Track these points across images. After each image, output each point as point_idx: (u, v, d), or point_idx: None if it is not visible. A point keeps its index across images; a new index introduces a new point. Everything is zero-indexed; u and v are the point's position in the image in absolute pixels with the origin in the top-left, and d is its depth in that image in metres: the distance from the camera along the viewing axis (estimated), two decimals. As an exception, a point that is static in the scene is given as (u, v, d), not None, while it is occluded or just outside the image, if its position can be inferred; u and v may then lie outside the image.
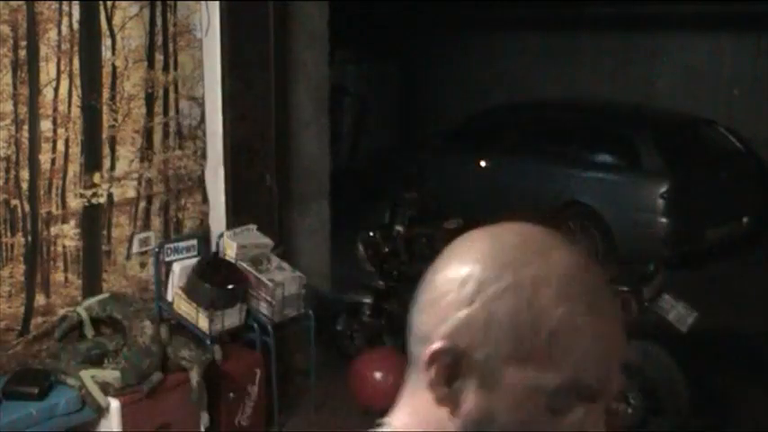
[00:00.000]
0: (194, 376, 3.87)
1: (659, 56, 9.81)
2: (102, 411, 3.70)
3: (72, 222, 4.07)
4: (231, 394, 4.16)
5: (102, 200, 4.18)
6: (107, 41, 4.11)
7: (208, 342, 4.12)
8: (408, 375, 0.97)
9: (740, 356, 5.38)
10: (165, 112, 4.44)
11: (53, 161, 3.96)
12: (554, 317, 0.85)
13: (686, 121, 8.29)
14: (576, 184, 7.61)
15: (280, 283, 4.36)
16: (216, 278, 4.21)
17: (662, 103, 9.30)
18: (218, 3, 4.49)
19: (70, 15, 3.93)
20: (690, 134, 8.05)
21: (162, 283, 4.43)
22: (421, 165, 6.41)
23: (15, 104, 3.79)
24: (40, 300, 3.99)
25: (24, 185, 3.86)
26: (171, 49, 4.41)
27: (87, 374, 3.69)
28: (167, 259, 4.40)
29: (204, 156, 4.65)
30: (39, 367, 3.85)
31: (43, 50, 3.85)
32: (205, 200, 4.69)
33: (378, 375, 4.54)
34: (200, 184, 4.66)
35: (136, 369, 3.76)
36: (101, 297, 4.11)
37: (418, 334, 0.93)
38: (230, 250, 4.44)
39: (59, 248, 4.04)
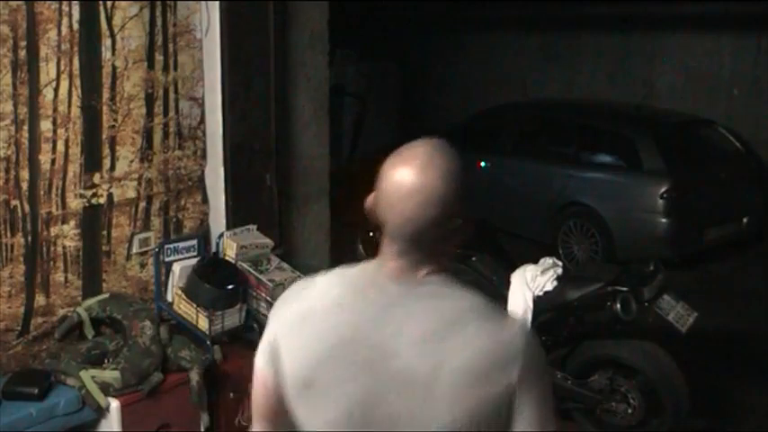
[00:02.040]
0: (194, 376, 3.87)
1: (659, 56, 9.81)
2: (102, 412, 3.70)
3: (72, 223, 4.07)
4: (231, 394, 4.16)
5: (102, 200, 4.18)
6: (107, 42, 4.11)
7: (208, 342, 4.13)
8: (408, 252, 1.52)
9: (740, 356, 5.39)
10: (165, 113, 4.44)
11: (53, 161, 3.96)
12: None
13: (686, 121, 8.29)
14: (576, 185, 7.62)
15: (280, 284, 4.36)
16: (216, 278, 4.21)
17: (662, 103, 9.30)
18: (218, 3, 4.48)
19: (70, 15, 3.93)
20: (690, 134, 8.05)
21: (162, 283, 4.43)
22: (421, 165, 6.44)
23: (15, 105, 3.79)
24: (39, 300, 3.99)
25: (24, 186, 3.87)
26: (171, 49, 4.41)
27: (87, 375, 3.70)
28: (167, 259, 4.40)
29: (204, 156, 4.65)
30: (39, 368, 3.85)
31: (43, 51, 3.85)
32: (205, 200, 4.70)
33: (378, 375, 4.53)
34: (200, 184, 4.66)
35: (136, 369, 3.77)
36: (101, 297, 4.11)
37: (435, 217, 1.48)
38: (230, 250, 4.44)
39: (59, 249, 4.04)
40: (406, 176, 1.48)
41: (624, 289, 4.09)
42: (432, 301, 1.50)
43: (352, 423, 1.51)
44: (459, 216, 1.50)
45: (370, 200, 1.59)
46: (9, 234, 3.84)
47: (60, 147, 3.98)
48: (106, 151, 4.18)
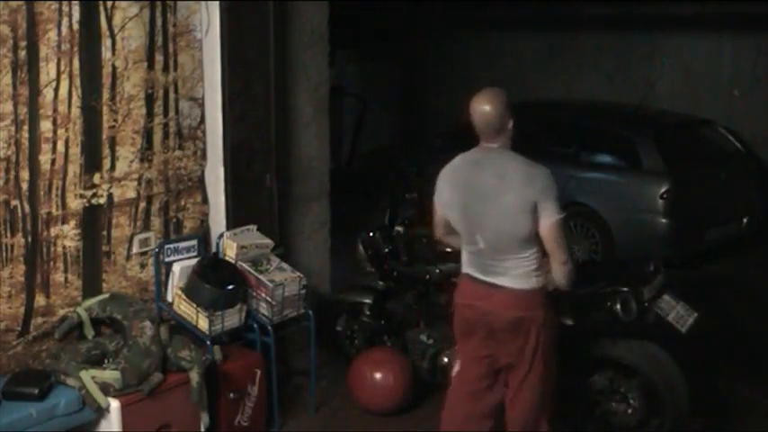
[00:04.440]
0: (194, 376, 3.87)
1: (659, 56, 9.80)
2: (102, 412, 3.70)
3: (72, 223, 4.07)
4: (231, 394, 4.16)
5: (102, 200, 4.19)
6: (107, 42, 4.12)
7: (208, 342, 4.13)
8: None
9: (740, 356, 5.38)
10: (165, 113, 4.44)
11: (53, 162, 3.96)
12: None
13: (686, 121, 8.28)
14: (577, 185, 7.60)
15: (280, 284, 4.36)
16: (216, 278, 4.21)
17: (662, 103, 9.29)
18: (218, 3, 4.49)
19: (70, 16, 3.93)
20: (690, 134, 8.04)
21: (162, 283, 4.43)
22: (421, 165, 6.41)
23: (15, 105, 3.79)
24: (40, 300, 3.99)
25: (24, 186, 3.87)
26: (171, 49, 4.41)
27: (87, 375, 3.70)
28: (167, 260, 4.40)
29: (204, 156, 4.65)
30: (39, 368, 3.85)
31: (43, 51, 3.86)
32: (205, 200, 4.70)
33: (378, 375, 4.54)
34: (201, 184, 4.66)
35: (136, 369, 3.77)
36: (101, 297, 4.11)
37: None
38: (230, 251, 4.45)
39: (59, 249, 4.04)
40: (481, 104, 3.32)
41: (624, 289, 4.09)
42: (500, 156, 3.35)
43: (464, 216, 3.39)
44: (509, 119, 3.34)
45: (467, 116, 3.33)
46: (9, 234, 3.84)
47: (60, 147, 3.99)
48: (106, 151, 4.18)
